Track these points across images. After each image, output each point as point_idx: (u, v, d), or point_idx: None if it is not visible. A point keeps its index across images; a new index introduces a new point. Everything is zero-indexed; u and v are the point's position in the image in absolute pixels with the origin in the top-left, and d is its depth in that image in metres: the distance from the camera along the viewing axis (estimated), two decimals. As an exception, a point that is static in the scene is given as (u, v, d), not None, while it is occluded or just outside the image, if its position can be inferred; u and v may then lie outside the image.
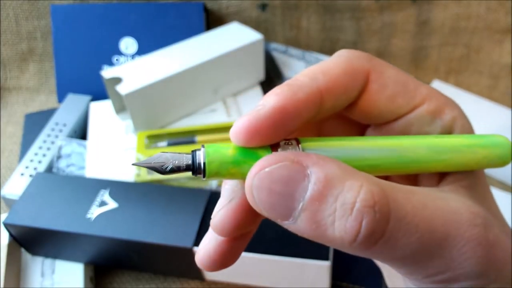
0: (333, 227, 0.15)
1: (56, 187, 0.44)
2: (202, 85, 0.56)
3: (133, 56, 0.64)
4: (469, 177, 0.19)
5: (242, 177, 0.17)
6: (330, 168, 0.15)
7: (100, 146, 0.53)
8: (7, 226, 0.41)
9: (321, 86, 0.18)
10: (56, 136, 0.56)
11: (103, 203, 0.42)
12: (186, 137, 0.53)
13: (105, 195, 0.43)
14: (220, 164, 0.17)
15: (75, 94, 0.63)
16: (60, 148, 0.53)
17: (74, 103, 0.62)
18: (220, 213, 0.18)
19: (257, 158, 0.17)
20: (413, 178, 0.21)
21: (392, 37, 0.69)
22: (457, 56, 0.69)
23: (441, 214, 0.16)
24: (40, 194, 0.43)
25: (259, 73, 0.61)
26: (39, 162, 0.52)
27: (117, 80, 0.52)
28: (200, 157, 0.17)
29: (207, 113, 0.58)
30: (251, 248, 0.38)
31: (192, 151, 0.17)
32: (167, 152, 0.17)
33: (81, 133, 0.59)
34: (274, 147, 0.17)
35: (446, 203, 0.17)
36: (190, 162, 0.17)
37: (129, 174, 0.48)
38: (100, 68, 0.64)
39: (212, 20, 0.68)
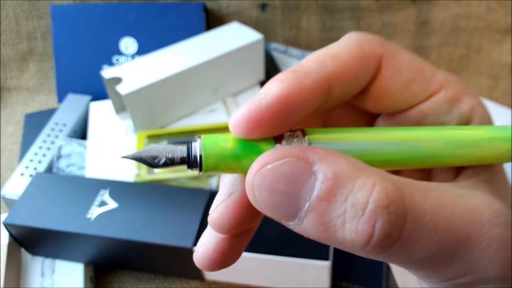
0: (343, 229, 0.14)
1: (56, 187, 0.44)
2: (202, 85, 0.56)
3: (133, 56, 0.64)
4: (488, 170, 0.18)
5: (243, 171, 0.16)
6: (339, 164, 0.14)
7: (100, 146, 0.53)
8: (7, 226, 0.41)
9: (330, 72, 0.16)
10: (56, 136, 0.56)
11: (103, 203, 0.42)
12: (186, 137, 0.53)
13: (105, 195, 0.43)
14: (218, 158, 0.15)
15: (75, 94, 0.63)
16: (60, 148, 0.53)
17: (74, 103, 0.62)
18: (219, 208, 0.17)
19: (259, 152, 0.15)
20: (426, 171, 0.20)
21: (392, 37, 0.69)
22: (457, 56, 0.69)
23: (461, 213, 0.15)
24: (40, 194, 0.43)
25: (259, 73, 0.61)
26: (39, 162, 0.52)
27: (117, 80, 0.52)
28: (196, 149, 0.15)
29: (207, 113, 0.58)
30: (251, 248, 0.38)
31: (188, 142, 0.16)
32: (159, 144, 0.16)
33: (81, 133, 0.59)
34: (277, 139, 0.16)
35: (466, 201, 0.15)
36: (185, 155, 0.15)
37: (129, 174, 0.48)
38: (100, 68, 0.64)
39: (212, 20, 0.68)
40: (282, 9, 0.68)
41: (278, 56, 0.67)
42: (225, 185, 0.17)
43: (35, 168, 0.51)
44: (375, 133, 0.17)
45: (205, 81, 0.56)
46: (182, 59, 0.55)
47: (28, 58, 0.71)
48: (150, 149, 0.16)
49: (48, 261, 0.43)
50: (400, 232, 0.14)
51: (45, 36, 0.70)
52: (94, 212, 0.41)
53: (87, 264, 0.44)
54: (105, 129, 0.56)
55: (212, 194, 0.42)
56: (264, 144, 0.15)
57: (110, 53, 0.64)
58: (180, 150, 0.16)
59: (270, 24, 0.69)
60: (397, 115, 0.19)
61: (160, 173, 0.48)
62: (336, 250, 0.40)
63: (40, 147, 0.54)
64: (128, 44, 0.64)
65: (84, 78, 0.65)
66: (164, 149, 0.16)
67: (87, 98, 0.63)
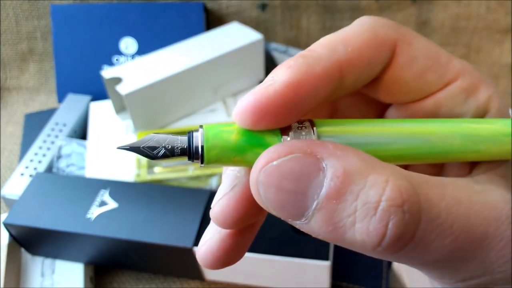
0: (353, 229, 0.13)
1: (56, 187, 0.44)
2: (202, 85, 0.56)
3: (133, 56, 0.64)
4: (505, 163, 0.17)
5: (247, 165, 0.15)
6: (349, 160, 0.13)
7: (100, 146, 0.53)
8: (7, 226, 0.41)
9: (341, 59, 0.15)
10: (56, 136, 0.56)
11: (103, 203, 0.42)
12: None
13: (105, 195, 0.43)
14: (221, 151, 0.14)
15: (75, 94, 0.63)
16: (60, 148, 0.53)
17: (74, 103, 0.62)
18: (221, 202, 0.16)
19: (264, 145, 0.14)
20: (439, 165, 0.19)
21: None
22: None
23: (478, 211, 0.14)
24: (40, 194, 0.43)
25: (259, 73, 0.61)
26: (39, 162, 0.52)
27: (117, 80, 0.52)
28: (198, 140, 0.14)
29: (207, 113, 0.58)
30: (251, 248, 0.38)
31: (189, 132, 0.15)
32: (159, 134, 0.15)
33: (81, 133, 0.59)
34: (284, 131, 0.15)
35: (483, 197, 0.14)
36: (185, 146, 0.14)
37: (129, 174, 0.48)
38: (100, 68, 0.64)
39: (212, 20, 0.68)
40: (282, 9, 0.68)
41: (278, 56, 0.67)
42: (228, 177, 0.16)
43: (35, 168, 0.51)
44: (388, 125, 0.16)
45: (205, 81, 0.56)
46: (182, 59, 0.55)
47: (28, 58, 0.71)
48: (149, 139, 0.15)
49: (48, 261, 0.43)
50: (414, 232, 0.13)
51: (45, 36, 0.70)
52: (94, 212, 0.41)
53: (87, 264, 0.44)
54: (105, 129, 0.56)
55: (212, 194, 0.42)
56: (270, 136, 0.14)
57: (110, 53, 0.64)
58: (180, 141, 0.15)
59: (270, 24, 0.69)
60: (409, 105, 0.18)
61: (160, 173, 0.48)
62: (336, 250, 0.40)
63: (40, 147, 0.54)
64: (128, 44, 0.64)
65: (84, 78, 0.65)
66: (164, 139, 0.15)
67: (87, 98, 0.63)
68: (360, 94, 0.19)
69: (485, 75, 0.18)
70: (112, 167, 0.50)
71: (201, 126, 0.15)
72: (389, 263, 0.42)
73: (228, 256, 0.17)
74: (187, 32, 0.61)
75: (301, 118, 0.15)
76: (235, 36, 0.59)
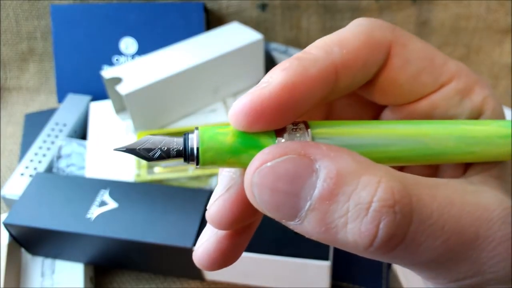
0: (345, 230, 0.13)
1: (56, 187, 0.44)
2: (202, 85, 0.56)
3: (133, 56, 0.64)
4: (499, 165, 0.17)
5: (242, 166, 0.15)
6: (342, 161, 0.13)
7: (100, 146, 0.53)
8: (7, 226, 0.41)
9: (337, 61, 0.15)
10: (56, 136, 0.56)
11: (103, 203, 0.42)
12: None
13: (105, 195, 0.43)
14: (216, 153, 0.14)
15: (75, 94, 0.63)
16: (60, 148, 0.53)
17: (74, 103, 0.62)
18: (217, 203, 0.16)
19: (259, 147, 0.14)
20: (434, 166, 0.19)
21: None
22: (457, 56, 0.69)
23: (470, 212, 0.14)
24: (40, 194, 0.43)
25: (259, 73, 0.61)
26: (39, 162, 0.52)
27: (117, 80, 0.52)
28: (193, 142, 0.14)
29: (207, 113, 0.58)
30: (251, 248, 0.38)
31: (184, 134, 0.15)
32: (155, 135, 0.15)
33: (81, 133, 0.59)
34: (279, 133, 0.15)
35: (476, 198, 0.14)
36: (181, 148, 0.15)
37: (129, 174, 0.48)
38: (100, 68, 0.64)
39: (212, 20, 0.68)
40: (282, 9, 0.68)
41: (278, 56, 0.67)
42: (224, 178, 0.16)
43: (35, 168, 0.51)
44: (382, 127, 0.16)
45: (205, 81, 0.56)
46: (182, 59, 0.55)
47: (28, 58, 0.71)
48: (145, 141, 0.15)
49: (48, 261, 0.43)
50: (405, 233, 0.13)
51: (45, 36, 0.70)
52: (94, 212, 0.41)
53: (87, 264, 0.44)
54: (105, 129, 0.56)
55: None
56: (264, 138, 0.15)
57: (110, 53, 0.64)
58: (176, 143, 0.15)
59: (270, 24, 0.69)
60: (405, 107, 0.18)
61: (160, 173, 0.48)
62: (336, 250, 0.40)
63: (40, 147, 0.54)
64: (128, 44, 0.64)
65: (84, 78, 0.65)
66: (160, 141, 0.15)
67: (87, 98, 0.63)
68: (356, 95, 0.19)
69: (481, 76, 0.18)
70: (112, 167, 0.50)
71: (196, 128, 0.15)
72: (389, 263, 0.42)
73: (225, 257, 0.17)
74: (187, 32, 0.62)
75: (296, 120, 0.15)
76: (235, 36, 0.59)
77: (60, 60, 0.65)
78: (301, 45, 0.71)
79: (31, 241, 0.42)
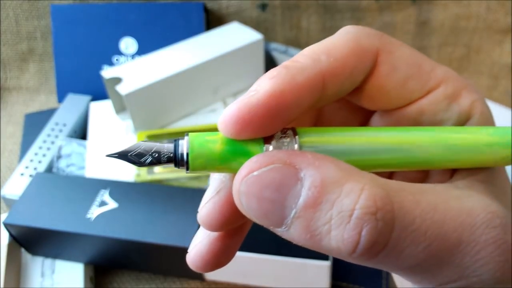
0: (329, 237, 0.13)
1: (56, 187, 0.44)
2: (202, 85, 0.56)
3: (133, 56, 0.64)
4: (486, 169, 0.17)
5: (231, 171, 0.15)
6: (327, 170, 0.14)
7: (100, 146, 0.53)
8: (7, 226, 0.41)
9: (324, 69, 0.15)
10: (56, 136, 0.56)
11: (103, 203, 0.42)
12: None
13: (105, 195, 0.43)
14: (206, 160, 0.15)
15: (75, 94, 0.63)
16: (60, 148, 0.53)
17: (74, 103, 0.62)
18: (207, 205, 0.16)
19: (247, 154, 0.15)
20: (422, 170, 0.19)
21: (392, 37, 0.69)
22: (457, 56, 0.69)
23: (453, 217, 0.14)
24: (40, 194, 0.43)
25: (259, 73, 0.61)
26: (39, 162, 0.52)
27: (117, 80, 0.52)
28: (183, 148, 0.15)
29: (207, 113, 0.58)
30: (251, 248, 0.38)
31: (175, 140, 0.15)
32: (146, 141, 0.15)
33: (81, 133, 0.59)
34: (267, 140, 0.15)
35: (460, 203, 0.14)
36: (171, 154, 0.15)
37: (129, 174, 0.48)
38: (100, 68, 0.64)
39: (212, 20, 0.68)
40: (282, 9, 0.68)
41: (278, 56, 0.67)
42: (214, 181, 0.17)
43: (35, 168, 0.51)
44: (369, 135, 0.16)
45: (205, 81, 0.56)
46: (182, 59, 0.55)
47: (28, 58, 0.71)
48: (136, 147, 0.15)
49: (48, 261, 0.43)
50: (387, 239, 0.13)
51: (45, 36, 0.70)
52: (94, 212, 0.41)
53: (87, 264, 0.44)
54: (105, 129, 0.56)
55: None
56: (253, 145, 0.15)
57: (110, 53, 0.64)
58: (167, 149, 0.15)
59: (270, 24, 0.69)
60: (393, 112, 0.18)
61: (160, 173, 0.48)
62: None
63: (40, 147, 0.54)
64: (128, 44, 0.64)
65: (84, 78, 0.65)
66: (151, 147, 0.15)
67: (87, 98, 0.63)
68: (345, 100, 0.19)
69: (469, 81, 0.18)
70: (112, 167, 0.50)
71: (187, 134, 0.15)
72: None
73: (218, 259, 0.17)
74: (187, 32, 0.62)
75: (284, 127, 0.15)
76: (235, 36, 0.59)
77: (60, 60, 0.65)
78: (301, 45, 0.71)
79: (31, 241, 0.42)
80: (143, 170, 0.48)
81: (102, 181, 0.45)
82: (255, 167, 0.14)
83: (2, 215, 0.43)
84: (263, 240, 0.39)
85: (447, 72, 0.17)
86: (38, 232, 0.41)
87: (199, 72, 0.55)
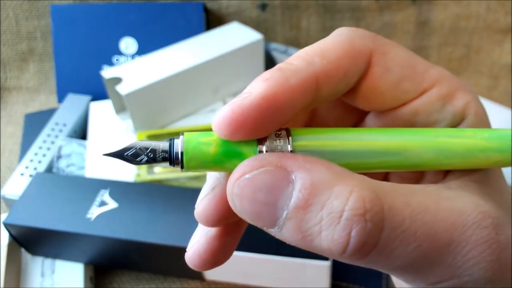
0: (320, 237, 0.14)
1: (56, 187, 0.44)
2: (202, 85, 0.56)
3: (133, 56, 0.64)
4: (480, 170, 0.17)
5: (225, 171, 0.16)
6: (317, 172, 0.14)
7: (100, 146, 0.53)
8: (7, 226, 0.41)
9: (318, 71, 0.16)
10: (56, 136, 0.56)
11: (103, 203, 0.42)
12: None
13: (105, 195, 0.43)
14: (200, 162, 0.15)
15: (75, 94, 0.63)
16: (60, 148, 0.53)
17: (74, 103, 0.62)
18: (203, 202, 0.17)
19: (240, 156, 0.15)
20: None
21: (392, 37, 0.69)
22: (457, 56, 0.69)
23: (444, 217, 0.14)
24: (40, 194, 0.43)
25: (259, 73, 0.61)
26: (39, 162, 0.52)
27: (117, 80, 0.52)
28: (178, 147, 0.15)
29: (207, 113, 0.58)
30: (251, 248, 0.38)
31: (170, 139, 0.16)
32: (142, 141, 0.16)
33: (81, 133, 0.59)
34: (261, 141, 0.15)
35: (451, 204, 0.15)
36: (167, 155, 0.15)
37: (129, 174, 0.48)
38: (100, 68, 0.64)
39: (212, 20, 0.68)
40: (282, 9, 0.68)
41: (278, 56, 0.67)
42: (210, 178, 0.17)
43: (35, 168, 0.51)
44: (362, 138, 0.16)
45: (205, 81, 0.56)
46: (182, 59, 0.55)
47: (28, 58, 0.71)
48: (133, 147, 0.16)
49: (48, 261, 0.43)
50: (377, 240, 0.14)
51: (45, 36, 0.70)
52: (94, 212, 0.41)
53: (87, 264, 0.44)
54: (105, 129, 0.56)
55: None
56: (246, 147, 0.15)
57: (110, 53, 0.64)
58: (162, 148, 0.16)
59: (270, 24, 0.69)
60: (388, 113, 0.18)
61: (160, 173, 0.48)
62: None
63: (40, 147, 0.54)
64: (128, 44, 0.64)
65: (84, 78, 0.65)
66: (147, 147, 0.16)
67: (87, 98, 0.63)
68: (340, 100, 0.19)
69: (464, 81, 0.18)
70: (112, 167, 0.50)
71: (182, 133, 0.16)
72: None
73: (215, 257, 0.18)
74: (187, 32, 0.62)
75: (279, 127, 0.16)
76: (235, 36, 0.59)
77: (60, 60, 0.65)
78: (301, 45, 0.71)
79: (31, 241, 0.42)
80: (143, 170, 0.48)
81: (102, 181, 0.45)
82: (247, 170, 0.14)
83: (2, 215, 0.43)
84: (263, 240, 0.39)
85: (441, 73, 0.17)
86: (38, 232, 0.41)
87: (199, 72, 0.55)
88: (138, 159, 0.15)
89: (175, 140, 0.15)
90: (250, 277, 0.41)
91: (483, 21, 0.66)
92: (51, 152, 0.54)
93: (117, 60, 0.64)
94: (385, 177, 0.20)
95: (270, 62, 0.66)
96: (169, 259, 0.41)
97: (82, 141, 0.54)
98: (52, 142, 0.55)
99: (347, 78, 0.17)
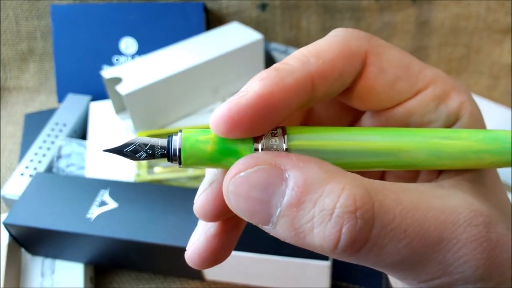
0: (312, 234, 0.14)
1: (56, 187, 0.44)
2: (202, 85, 0.56)
3: (133, 56, 0.64)
4: (475, 169, 0.17)
5: (222, 168, 0.16)
6: (310, 171, 0.14)
7: (100, 146, 0.53)
8: (7, 226, 0.41)
9: (313, 71, 0.16)
10: (56, 136, 0.56)
11: (103, 203, 0.42)
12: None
13: (105, 195, 0.43)
14: (197, 160, 0.16)
15: (75, 94, 0.63)
16: (60, 148, 0.53)
17: (74, 103, 0.62)
18: (201, 197, 0.17)
19: (237, 154, 0.16)
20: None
21: (392, 37, 0.69)
22: (457, 56, 0.69)
23: (435, 215, 0.14)
24: (40, 194, 0.43)
25: (259, 73, 0.61)
26: (39, 162, 0.52)
27: (117, 80, 0.52)
28: (176, 144, 0.16)
29: (207, 113, 0.58)
30: (251, 248, 0.38)
31: (169, 136, 0.16)
32: (141, 137, 0.16)
33: (81, 133, 0.59)
34: (257, 139, 0.16)
35: (442, 202, 0.15)
36: (165, 151, 0.16)
37: (129, 174, 0.48)
38: (100, 68, 0.64)
39: (212, 20, 0.68)
40: (282, 9, 0.68)
41: (278, 56, 0.67)
42: (208, 173, 0.18)
43: (35, 168, 0.51)
44: (357, 138, 0.16)
45: (205, 81, 0.56)
46: (182, 59, 0.55)
47: (28, 58, 0.71)
48: (132, 143, 0.16)
49: (48, 261, 0.43)
50: (367, 237, 0.14)
51: (45, 36, 0.70)
52: (94, 212, 0.41)
53: (87, 264, 0.44)
54: (105, 129, 0.56)
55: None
56: (242, 145, 0.16)
57: (110, 53, 0.64)
58: (161, 145, 0.16)
59: (270, 24, 0.69)
60: (383, 112, 0.18)
61: (160, 173, 0.48)
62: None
63: (40, 147, 0.54)
64: (128, 44, 0.64)
65: (84, 78, 0.65)
66: (146, 143, 0.16)
67: (87, 98, 0.63)
68: (336, 99, 0.19)
69: (459, 82, 0.18)
70: (112, 167, 0.50)
71: (180, 130, 0.16)
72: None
73: (215, 255, 0.18)
74: (187, 32, 0.62)
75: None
76: (235, 36, 0.59)
77: (60, 60, 0.65)
78: (301, 45, 0.70)
79: (31, 241, 0.42)
80: (143, 170, 0.48)
81: (102, 181, 0.45)
82: (242, 168, 0.15)
83: (2, 215, 0.43)
84: (263, 240, 0.39)
85: (436, 73, 0.18)
86: (38, 232, 0.41)
87: (199, 72, 0.55)
88: (137, 155, 0.16)
89: (173, 137, 0.16)
90: (250, 277, 0.41)
91: (483, 21, 0.66)
92: (51, 152, 0.54)
93: (117, 60, 0.64)
94: (381, 175, 0.21)
95: (270, 62, 0.66)
96: (169, 259, 0.41)
97: (82, 141, 0.54)
98: (52, 142, 0.55)
99: (342, 78, 0.17)
